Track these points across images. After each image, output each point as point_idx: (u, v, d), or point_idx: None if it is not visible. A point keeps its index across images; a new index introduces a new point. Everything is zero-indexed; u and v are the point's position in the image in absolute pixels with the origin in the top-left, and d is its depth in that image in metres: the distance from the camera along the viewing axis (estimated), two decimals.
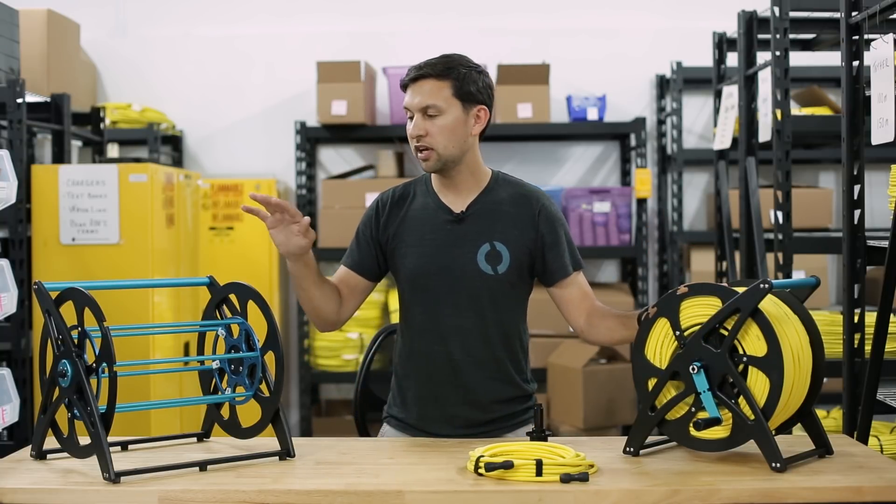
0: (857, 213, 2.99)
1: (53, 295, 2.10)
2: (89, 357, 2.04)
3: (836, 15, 3.58)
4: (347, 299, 2.57)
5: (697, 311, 2.11)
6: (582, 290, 2.55)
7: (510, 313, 2.53)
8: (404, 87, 2.49)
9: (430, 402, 2.52)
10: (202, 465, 2.09)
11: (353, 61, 5.30)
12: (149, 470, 2.03)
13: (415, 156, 2.50)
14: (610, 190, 5.38)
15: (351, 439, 2.47)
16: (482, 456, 2.03)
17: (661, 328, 2.16)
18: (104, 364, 2.01)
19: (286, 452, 2.18)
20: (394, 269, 2.58)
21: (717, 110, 4.66)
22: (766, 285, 2.03)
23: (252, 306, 2.25)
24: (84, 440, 2.09)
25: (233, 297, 2.28)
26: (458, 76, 2.46)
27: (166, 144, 5.70)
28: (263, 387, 2.21)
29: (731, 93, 4.40)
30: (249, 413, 2.25)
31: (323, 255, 5.47)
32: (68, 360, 2.05)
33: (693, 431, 2.11)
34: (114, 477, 1.97)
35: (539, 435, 2.21)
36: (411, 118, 2.47)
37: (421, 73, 2.45)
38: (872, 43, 2.77)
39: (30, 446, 2.23)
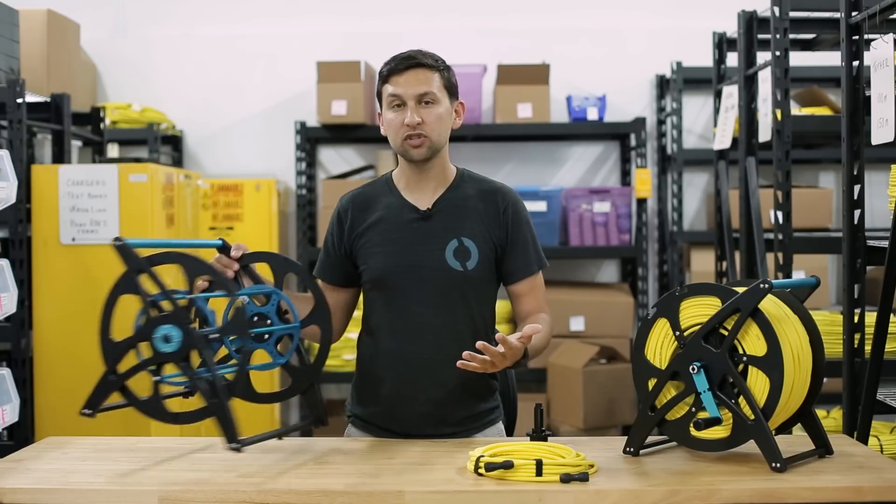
0: (857, 213, 2.99)
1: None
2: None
3: (836, 15, 3.58)
4: (333, 312, 2.50)
5: (697, 311, 2.11)
6: (534, 292, 2.54)
7: (480, 310, 2.51)
8: (387, 76, 2.46)
9: (398, 401, 2.48)
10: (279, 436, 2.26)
11: (353, 61, 5.31)
12: (263, 438, 2.18)
13: (400, 145, 2.46)
14: (610, 190, 5.38)
15: (351, 439, 2.47)
16: (482, 456, 2.03)
17: (661, 328, 2.16)
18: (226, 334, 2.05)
19: (319, 419, 2.28)
20: (360, 273, 2.56)
21: (717, 110, 4.66)
22: (766, 285, 2.03)
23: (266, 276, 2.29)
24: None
25: (263, 265, 2.30)
26: (444, 68, 2.48)
27: (166, 144, 5.70)
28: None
29: (731, 93, 4.40)
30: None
31: None
32: (176, 324, 2.04)
33: (693, 431, 2.11)
34: (237, 445, 2.01)
35: (539, 435, 2.21)
36: (398, 106, 2.45)
37: (415, 61, 2.44)
38: (872, 43, 2.77)
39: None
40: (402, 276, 2.47)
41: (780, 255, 3.63)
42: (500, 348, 2.21)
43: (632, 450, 2.18)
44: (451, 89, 2.49)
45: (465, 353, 2.20)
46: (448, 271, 2.46)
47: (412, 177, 2.53)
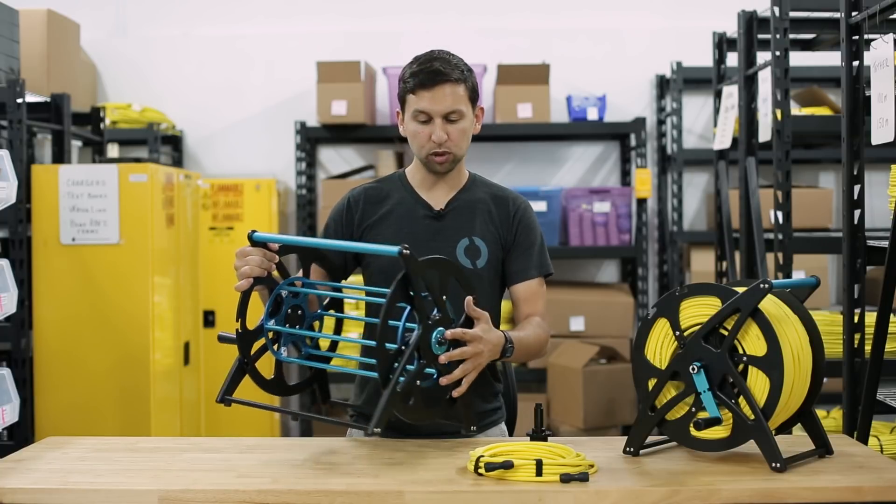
0: (857, 213, 2.99)
1: None
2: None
3: (836, 15, 3.59)
4: (311, 300, 2.46)
5: (697, 311, 2.11)
6: (533, 298, 2.53)
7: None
8: (414, 88, 2.43)
9: None
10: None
11: (353, 61, 5.31)
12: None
13: (424, 157, 2.47)
14: (610, 190, 5.38)
15: (351, 439, 2.46)
16: (482, 456, 2.03)
17: (661, 328, 2.16)
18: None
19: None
20: (366, 265, 2.54)
21: (717, 110, 4.66)
22: (766, 285, 2.03)
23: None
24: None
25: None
26: (469, 78, 2.46)
27: (166, 144, 5.70)
28: None
29: (731, 93, 4.40)
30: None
31: None
32: (447, 328, 2.13)
33: (693, 431, 2.11)
34: (474, 430, 2.27)
35: (539, 435, 2.21)
36: (424, 122, 2.44)
37: (443, 77, 2.42)
38: (872, 43, 2.77)
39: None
40: None
41: (780, 255, 3.63)
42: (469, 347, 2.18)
43: (632, 450, 2.18)
44: (474, 96, 2.48)
45: (442, 380, 2.14)
46: None
47: (427, 177, 2.54)
